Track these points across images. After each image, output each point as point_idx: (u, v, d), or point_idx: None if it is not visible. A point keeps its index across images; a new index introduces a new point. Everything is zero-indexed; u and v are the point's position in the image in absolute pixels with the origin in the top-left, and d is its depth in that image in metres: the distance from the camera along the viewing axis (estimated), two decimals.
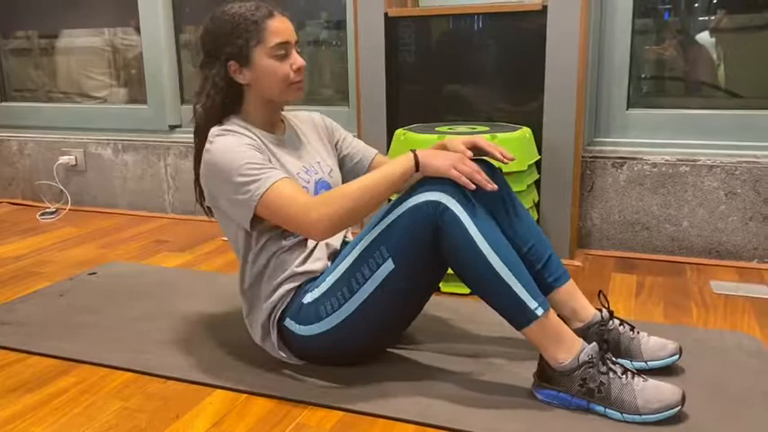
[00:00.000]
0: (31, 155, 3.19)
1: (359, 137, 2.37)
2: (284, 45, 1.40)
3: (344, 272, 1.36)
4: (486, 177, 1.30)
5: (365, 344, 1.45)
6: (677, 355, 1.41)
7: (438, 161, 1.30)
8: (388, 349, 1.55)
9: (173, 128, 2.97)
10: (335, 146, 1.64)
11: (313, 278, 1.43)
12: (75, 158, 3.08)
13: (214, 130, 1.41)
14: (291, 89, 1.44)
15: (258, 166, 1.34)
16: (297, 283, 1.42)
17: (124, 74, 3.17)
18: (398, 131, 2.05)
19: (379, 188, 1.30)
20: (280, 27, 1.40)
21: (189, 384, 1.43)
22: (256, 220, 1.37)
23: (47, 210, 3.04)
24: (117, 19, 3.05)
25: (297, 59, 1.43)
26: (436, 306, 1.80)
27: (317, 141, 1.59)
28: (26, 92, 3.38)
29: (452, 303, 1.81)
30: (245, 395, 1.38)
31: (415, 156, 1.31)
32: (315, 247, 1.46)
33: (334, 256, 1.49)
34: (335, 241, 1.52)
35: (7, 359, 1.58)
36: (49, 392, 1.42)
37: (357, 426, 1.27)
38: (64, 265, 2.28)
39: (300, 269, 1.43)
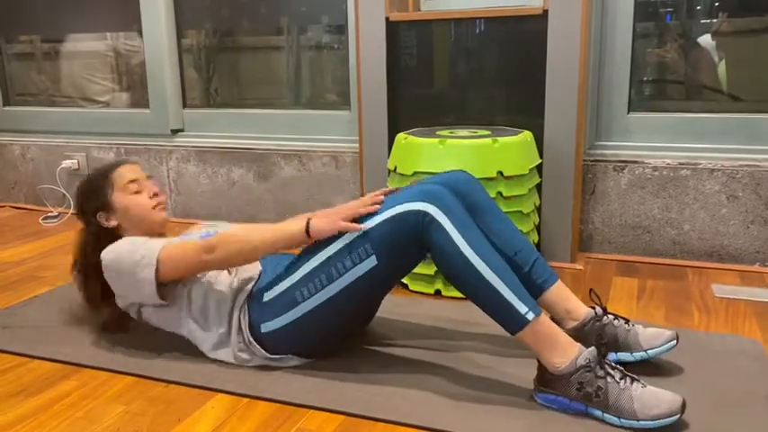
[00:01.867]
0: (33, 159, 3.20)
1: (360, 141, 2.38)
2: (134, 182, 1.66)
3: (324, 261, 1.41)
4: (372, 198, 1.41)
5: (337, 329, 1.50)
6: (674, 341, 1.42)
7: (324, 225, 1.40)
8: (389, 352, 1.56)
9: (175, 132, 2.97)
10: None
11: (254, 280, 1.53)
12: (78, 162, 3.08)
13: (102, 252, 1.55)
14: (155, 213, 1.67)
15: (141, 241, 1.51)
16: (244, 295, 1.51)
17: (127, 78, 3.18)
18: (399, 136, 2.06)
19: (268, 241, 1.43)
20: (127, 170, 1.67)
21: (190, 388, 1.43)
22: (162, 289, 1.50)
23: (49, 214, 3.04)
24: (120, 24, 3.06)
25: (150, 187, 1.68)
26: (437, 309, 1.80)
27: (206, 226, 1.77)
28: (29, 96, 3.39)
29: (453, 305, 1.81)
30: (247, 399, 1.38)
31: (308, 224, 1.41)
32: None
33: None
34: None
35: (9, 363, 1.58)
36: (51, 397, 1.42)
37: (358, 429, 1.27)
38: (66, 269, 2.27)
39: (237, 284, 1.53)
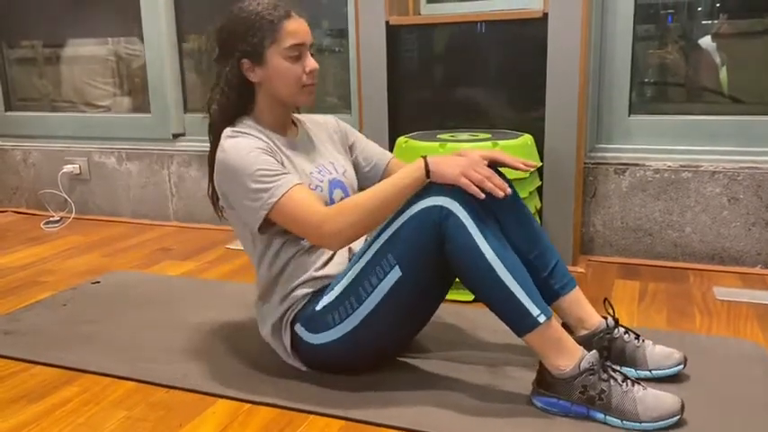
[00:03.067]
0: (35, 164, 3.21)
1: None
2: (298, 47, 1.40)
3: (353, 281, 1.36)
4: (500, 182, 1.28)
5: (372, 353, 1.45)
6: (681, 365, 1.40)
7: (448, 169, 1.28)
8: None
9: (176, 136, 2.98)
10: (350, 148, 1.63)
11: (329, 283, 1.43)
12: (80, 167, 3.09)
13: (227, 131, 1.41)
14: (303, 92, 1.43)
15: (271, 173, 1.34)
16: (313, 289, 1.42)
17: (128, 83, 3.18)
18: (400, 139, 2.06)
19: (390, 198, 1.30)
20: (296, 28, 1.39)
21: (192, 393, 1.43)
22: (267, 225, 1.37)
23: (51, 218, 3.05)
24: (121, 29, 3.06)
25: (310, 62, 1.42)
26: (439, 313, 1.80)
27: (329, 143, 1.59)
28: (30, 101, 3.40)
29: (456, 310, 1.81)
30: (248, 404, 1.38)
31: (426, 163, 1.30)
32: (334, 254, 1.46)
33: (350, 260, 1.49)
34: (357, 245, 1.52)
35: (11, 369, 1.58)
36: (53, 402, 1.42)
37: None
38: (67, 274, 2.29)
39: (320, 273, 1.43)
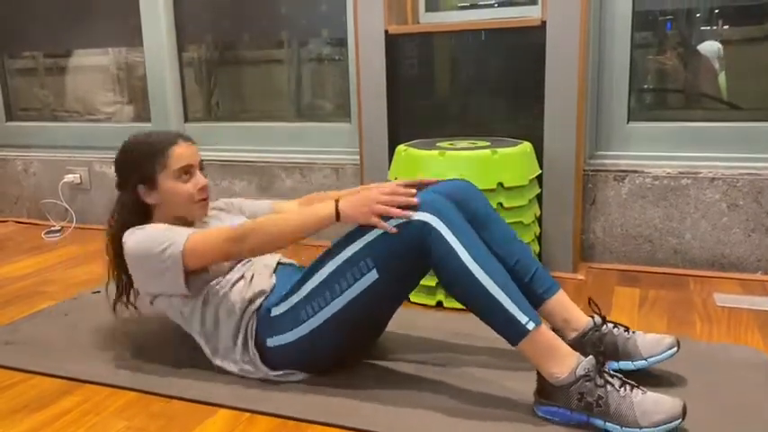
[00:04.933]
0: (36, 173, 3.22)
1: (361, 153, 2.39)
2: (187, 168, 1.57)
3: (326, 277, 1.41)
4: (404, 191, 1.35)
5: (342, 346, 1.49)
6: (675, 348, 1.41)
7: (356, 211, 1.36)
8: (390, 366, 1.56)
9: None
10: (241, 211, 1.82)
11: (266, 295, 1.52)
12: (80, 177, 3.10)
13: (125, 234, 1.54)
14: (196, 206, 1.60)
15: (170, 231, 1.48)
16: (255, 306, 1.50)
17: (129, 91, 3.19)
18: (399, 148, 2.06)
19: (295, 228, 1.40)
20: (182, 152, 1.57)
21: (192, 403, 1.43)
22: (190, 277, 1.48)
23: (52, 228, 3.05)
24: (121, 38, 3.07)
25: (200, 180, 1.59)
26: (439, 321, 1.80)
27: (229, 214, 1.78)
28: (32, 111, 3.41)
29: (455, 318, 1.81)
30: (248, 414, 1.38)
31: (337, 206, 1.38)
32: (252, 276, 1.55)
33: (275, 269, 1.61)
34: (272, 260, 1.63)
35: (11, 379, 1.58)
36: (53, 413, 1.42)
37: None
38: (68, 283, 2.29)
39: (249, 294, 1.51)
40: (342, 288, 1.39)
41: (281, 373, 1.49)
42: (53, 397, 1.49)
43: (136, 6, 2.90)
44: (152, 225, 1.54)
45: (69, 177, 3.10)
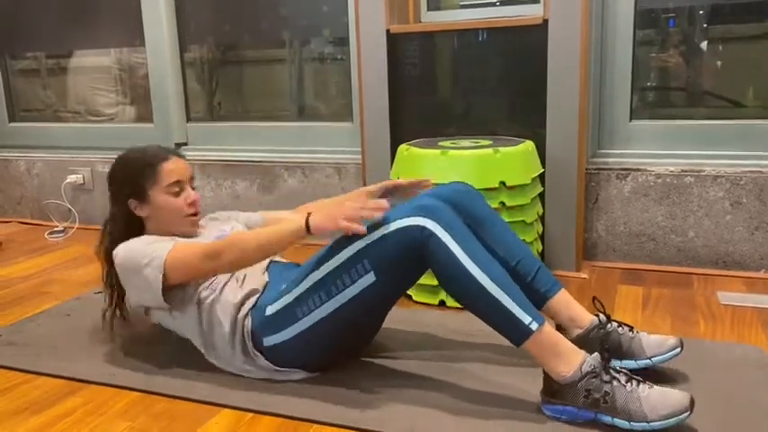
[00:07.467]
0: (39, 174, 3.22)
1: (363, 152, 2.38)
2: (178, 183, 1.61)
3: (323, 277, 1.41)
4: (373, 204, 1.36)
5: (339, 344, 1.50)
6: (678, 348, 1.41)
7: (325, 223, 1.37)
8: (393, 365, 1.56)
9: (179, 146, 2.99)
10: (237, 222, 1.85)
11: (259, 293, 1.53)
12: (83, 177, 3.10)
13: (118, 246, 1.57)
14: (186, 221, 1.64)
15: (155, 242, 1.52)
16: (250, 305, 1.51)
17: (131, 92, 3.19)
18: (402, 147, 2.06)
19: (266, 243, 1.42)
20: (173, 168, 1.62)
21: (195, 403, 1.43)
22: (173, 290, 1.50)
23: (55, 229, 3.06)
24: (123, 39, 3.07)
25: (191, 194, 1.63)
26: (441, 320, 1.80)
27: (223, 222, 1.82)
28: (34, 112, 3.41)
29: (457, 316, 1.81)
30: (251, 414, 1.38)
31: (307, 221, 1.39)
32: (245, 276, 1.56)
33: (267, 266, 1.63)
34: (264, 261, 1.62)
35: (14, 380, 1.59)
36: (57, 414, 1.42)
37: None
38: (71, 284, 2.29)
39: (242, 294, 1.52)
40: (338, 289, 1.39)
41: (281, 370, 1.49)
42: (56, 398, 1.49)
43: (137, 7, 2.90)
44: (139, 238, 1.57)
45: (72, 178, 3.11)
